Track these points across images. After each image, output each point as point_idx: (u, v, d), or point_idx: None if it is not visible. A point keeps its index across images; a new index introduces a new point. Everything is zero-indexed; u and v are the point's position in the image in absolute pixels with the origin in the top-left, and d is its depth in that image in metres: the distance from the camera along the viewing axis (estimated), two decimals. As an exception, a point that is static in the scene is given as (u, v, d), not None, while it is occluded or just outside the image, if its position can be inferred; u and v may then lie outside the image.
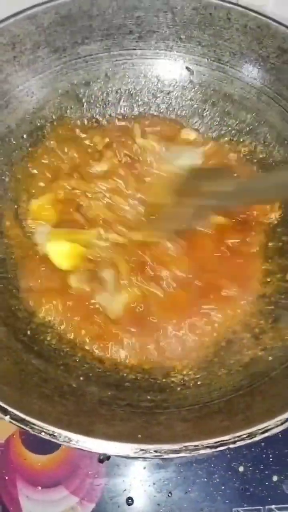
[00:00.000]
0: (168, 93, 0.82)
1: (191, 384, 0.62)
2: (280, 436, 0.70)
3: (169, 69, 0.80)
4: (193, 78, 0.80)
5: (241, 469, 0.69)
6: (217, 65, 0.78)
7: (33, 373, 0.57)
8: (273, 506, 0.67)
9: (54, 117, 0.79)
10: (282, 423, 0.48)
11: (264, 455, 0.69)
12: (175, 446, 0.46)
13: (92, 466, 0.68)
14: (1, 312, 0.63)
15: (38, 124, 0.78)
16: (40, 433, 0.47)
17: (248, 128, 0.78)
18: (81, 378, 0.60)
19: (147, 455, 0.46)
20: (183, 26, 0.77)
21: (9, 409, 0.47)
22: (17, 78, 0.75)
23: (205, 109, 0.81)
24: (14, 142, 0.75)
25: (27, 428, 0.47)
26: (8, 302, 0.65)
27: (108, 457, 0.67)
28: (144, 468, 0.68)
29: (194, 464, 0.68)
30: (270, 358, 0.61)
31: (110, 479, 0.68)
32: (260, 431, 0.48)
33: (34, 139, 0.77)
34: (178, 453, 0.46)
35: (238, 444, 0.47)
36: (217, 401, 0.57)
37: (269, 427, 0.48)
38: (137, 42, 0.79)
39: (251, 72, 0.77)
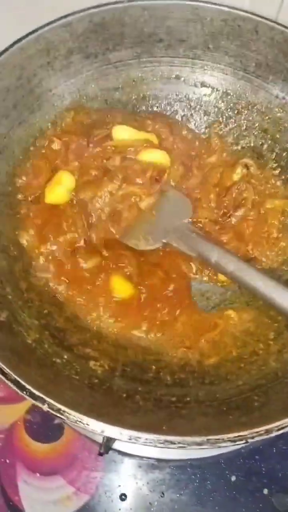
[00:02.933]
0: (194, 100, 0.83)
1: (210, 381, 0.64)
2: (274, 451, 0.70)
3: (196, 77, 0.82)
4: (218, 86, 0.81)
5: (233, 478, 0.70)
6: (242, 74, 0.79)
7: (64, 365, 0.61)
8: (261, 518, 0.68)
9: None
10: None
11: (257, 468, 0.70)
12: (198, 439, 0.48)
13: (90, 459, 0.71)
14: (32, 309, 0.66)
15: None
16: (75, 422, 0.50)
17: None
18: (108, 372, 0.63)
19: (172, 446, 0.48)
20: (212, 36, 0.77)
21: (47, 399, 0.50)
22: (50, 82, 0.78)
23: (229, 116, 0.82)
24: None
25: (63, 417, 0.50)
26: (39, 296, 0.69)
27: (107, 451, 0.70)
28: (140, 466, 0.71)
29: (188, 469, 0.70)
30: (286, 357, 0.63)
31: (106, 474, 0.71)
32: (276, 428, 0.49)
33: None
34: (201, 445, 0.48)
35: (256, 439, 0.49)
36: (234, 398, 0.59)
37: (285, 425, 0.49)
38: (166, 50, 0.80)
39: (277, 84, 0.77)
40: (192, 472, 0.70)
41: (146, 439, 0.48)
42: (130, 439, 0.49)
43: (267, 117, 0.79)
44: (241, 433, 0.49)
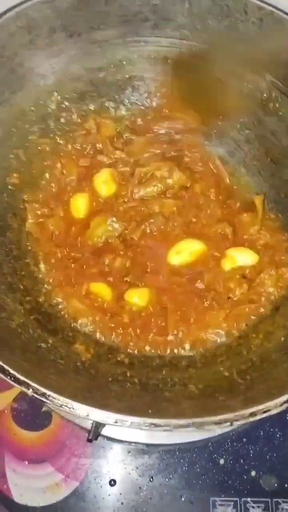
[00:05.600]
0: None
1: (197, 365, 0.65)
2: (262, 433, 0.71)
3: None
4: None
5: (221, 461, 0.71)
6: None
7: (49, 350, 0.61)
8: (248, 499, 0.68)
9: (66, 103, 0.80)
10: (281, 405, 0.50)
11: (245, 451, 0.71)
12: (183, 422, 0.48)
13: (78, 446, 0.71)
14: (17, 293, 0.66)
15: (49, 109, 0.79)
16: (61, 407, 0.49)
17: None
18: (93, 356, 0.63)
19: (157, 429, 0.48)
20: (199, 16, 0.75)
21: (32, 384, 0.50)
22: (32, 61, 0.75)
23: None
24: (27, 126, 0.76)
25: (48, 402, 0.50)
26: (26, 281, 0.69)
27: (96, 437, 0.69)
28: (129, 452, 0.71)
29: (177, 453, 0.71)
30: (269, 344, 0.63)
31: (95, 460, 0.71)
32: (261, 411, 0.49)
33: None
34: (186, 428, 0.48)
35: (241, 422, 0.49)
36: (219, 382, 0.60)
37: (269, 408, 0.50)
38: (153, 30, 0.78)
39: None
40: (181, 456, 0.71)
41: (132, 422, 0.48)
42: (116, 423, 0.48)
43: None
44: (226, 416, 0.49)
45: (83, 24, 0.76)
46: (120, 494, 0.69)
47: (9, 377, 0.50)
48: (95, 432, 0.65)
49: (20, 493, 0.68)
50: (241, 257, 0.70)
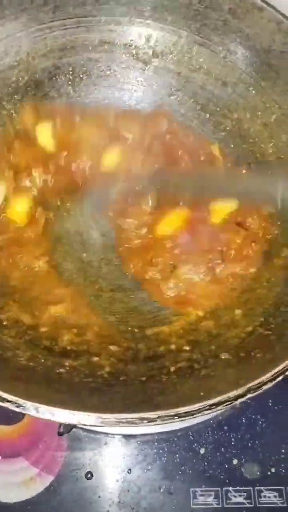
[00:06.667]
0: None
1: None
2: (243, 420, 0.69)
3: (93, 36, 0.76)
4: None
5: (202, 451, 0.68)
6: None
7: (70, 373, 0.56)
8: (230, 488, 0.66)
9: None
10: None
11: (226, 438, 0.69)
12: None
13: (53, 439, 0.68)
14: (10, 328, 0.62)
15: None
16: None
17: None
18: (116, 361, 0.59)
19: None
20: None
21: (85, 416, 0.45)
22: None
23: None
24: None
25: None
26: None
27: (68, 431, 0.67)
28: (106, 444, 0.69)
29: (155, 443, 0.68)
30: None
31: (71, 452, 0.68)
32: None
33: None
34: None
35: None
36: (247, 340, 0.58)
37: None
38: (54, 13, 0.73)
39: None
40: (160, 447, 0.68)
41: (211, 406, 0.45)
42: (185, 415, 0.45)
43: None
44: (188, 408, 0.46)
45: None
46: (97, 487, 0.66)
47: (54, 416, 0.46)
48: (67, 425, 0.62)
49: (-7, 489, 0.65)
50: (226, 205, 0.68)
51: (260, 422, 0.70)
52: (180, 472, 0.67)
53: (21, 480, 0.66)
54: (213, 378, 0.53)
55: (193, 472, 0.67)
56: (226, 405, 0.45)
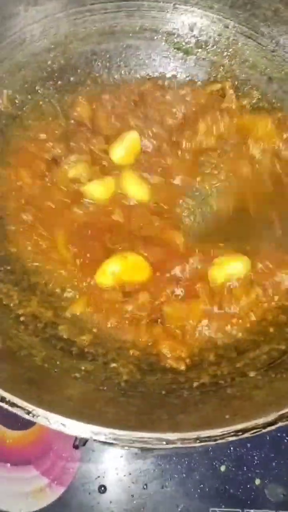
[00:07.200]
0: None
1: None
2: (267, 438, 0.65)
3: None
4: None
5: (223, 468, 0.64)
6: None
7: (86, 378, 0.53)
8: (252, 510, 0.62)
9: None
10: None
11: (249, 456, 0.65)
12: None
13: (65, 449, 0.65)
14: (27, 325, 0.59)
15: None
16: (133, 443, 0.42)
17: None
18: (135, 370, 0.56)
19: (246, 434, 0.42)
20: None
21: (100, 431, 0.42)
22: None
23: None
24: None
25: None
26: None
27: (84, 443, 0.64)
28: (121, 456, 0.65)
29: (174, 458, 0.65)
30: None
31: (83, 464, 0.65)
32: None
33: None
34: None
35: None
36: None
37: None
38: None
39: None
40: (178, 462, 0.65)
41: (220, 434, 0.41)
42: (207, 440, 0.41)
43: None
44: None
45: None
46: (111, 502, 0.63)
47: (66, 427, 0.42)
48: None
49: (0, 498, 0.62)
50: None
51: (285, 441, 0.66)
52: (199, 490, 0.63)
53: (30, 490, 0.63)
54: (239, 399, 0.49)
55: (213, 491, 0.63)
56: (254, 433, 0.41)
